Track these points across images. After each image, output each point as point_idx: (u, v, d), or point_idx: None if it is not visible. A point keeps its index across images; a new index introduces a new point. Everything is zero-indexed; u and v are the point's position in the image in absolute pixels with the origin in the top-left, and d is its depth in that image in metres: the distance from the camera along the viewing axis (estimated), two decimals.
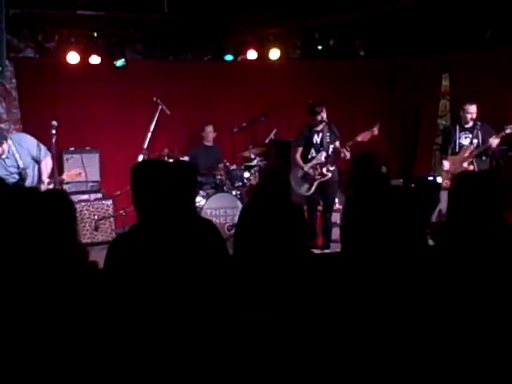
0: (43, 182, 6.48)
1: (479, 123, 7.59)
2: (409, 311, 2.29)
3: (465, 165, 7.58)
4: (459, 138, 7.73)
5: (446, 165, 7.81)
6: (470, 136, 7.65)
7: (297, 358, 2.43)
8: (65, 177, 6.99)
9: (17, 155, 6.40)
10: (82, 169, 7.14)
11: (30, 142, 6.57)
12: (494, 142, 7.39)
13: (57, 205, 2.66)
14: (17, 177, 6.47)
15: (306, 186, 7.44)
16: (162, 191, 2.91)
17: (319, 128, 7.46)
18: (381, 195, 2.41)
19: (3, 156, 6.35)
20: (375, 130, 7.23)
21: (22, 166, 6.42)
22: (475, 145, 7.58)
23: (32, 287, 2.44)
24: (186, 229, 2.82)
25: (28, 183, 6.48)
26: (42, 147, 6.60)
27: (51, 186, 6.46)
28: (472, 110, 7.60)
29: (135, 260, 2.73)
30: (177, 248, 2.72)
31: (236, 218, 7.88)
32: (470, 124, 7.64)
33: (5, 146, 6.34)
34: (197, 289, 2.65)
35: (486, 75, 8.69)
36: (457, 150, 7.73)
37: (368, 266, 2.37)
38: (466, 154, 7.61)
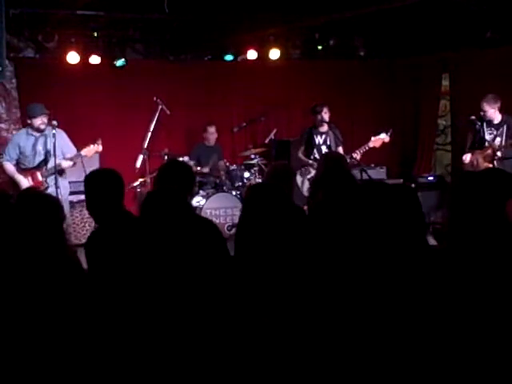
0: (66, 158, 6.97)
1: (507, 120, 7.42)
2: (401, 315, 2.28)
3: (485, 164, 7.30)
4: (484, 132, 7.49)
5: (467, 158, 7.53)
6: (495, 132, 7.44)
7: (296, 358, 2.42)
8: (84, 153, 7.03)
9: (49, 138, 6.79)
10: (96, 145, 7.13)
11: (64, 136, 7.06)
12: None
13: (42, 207, 2.67)
14: (42, 157, 6.91)
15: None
16: (160, 189, 2.91)
17: (322, 129, 7.48)
18: (348, 196, 2.40)
19: (42, 128, 6.81)
20: (386, 137, 7.27)
21: (48, 147, 6.80)
22: (498, 143, 7.37)
23: (21, 288, 2.44)
24: (187, 229, 2.81)
25: (49, 166, 6.88)
26: (74, 148, 7.07)
27: (71, 163, 6.99)
28: (495, 117, 7.42)
29: (132, 260, 2.73)
30: (177, 248, 2.72)
31: (236, 218, 7.97)
32: (498, 120, 7.45)
33: (45, 119, 6.82)
34: (196, 289, 2.65)
35: (486, 75, 8.68)
36: (484, 145, 7.47)
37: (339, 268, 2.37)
38: (489, 151, 7.39)
